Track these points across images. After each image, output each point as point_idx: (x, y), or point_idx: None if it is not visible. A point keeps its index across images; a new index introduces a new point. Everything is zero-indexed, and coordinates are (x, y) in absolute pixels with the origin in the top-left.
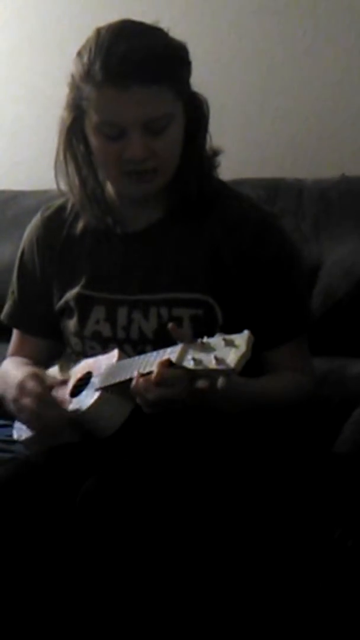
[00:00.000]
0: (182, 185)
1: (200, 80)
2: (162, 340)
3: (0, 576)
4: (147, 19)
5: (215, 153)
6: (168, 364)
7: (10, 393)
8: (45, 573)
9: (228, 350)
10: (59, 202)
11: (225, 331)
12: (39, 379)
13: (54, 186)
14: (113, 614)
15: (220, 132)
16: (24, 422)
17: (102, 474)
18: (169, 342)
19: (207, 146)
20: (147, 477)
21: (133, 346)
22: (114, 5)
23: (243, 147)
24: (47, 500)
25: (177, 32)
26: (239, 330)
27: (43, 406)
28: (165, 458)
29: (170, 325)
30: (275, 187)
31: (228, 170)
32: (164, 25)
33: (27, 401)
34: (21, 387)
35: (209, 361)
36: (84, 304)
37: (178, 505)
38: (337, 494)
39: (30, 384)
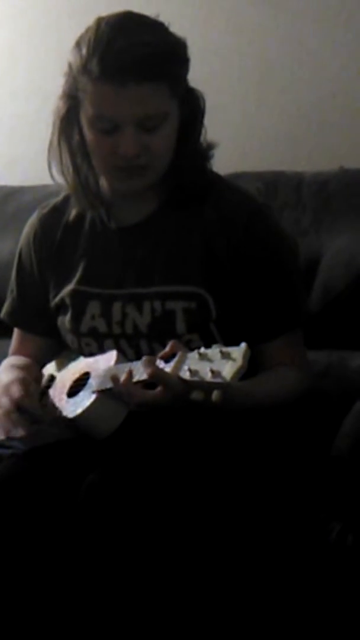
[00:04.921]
0: (175, 179)
1: (199, 73)
2: (156, 334)
3: (1, 572)
4: (146, 12)
5: (210, 146)
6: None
7: None
8: (47, 568)
9: (224, 362)
10: (54, 200)
11: (219, 324)
12: (24, 384)
13: (53, 182)
14: (117, 607)
15: (219, 126)
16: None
17: (105, 467)
18: (163, 336)
19: (202, 139)
20: (150, 471)
21: (128, 341)
22: (113, 1)
23: (242, 141)
24: (48, 497)
25: (175, 25)
26: (232, 323)
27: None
28: (167, 452)
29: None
30: (274, 181)
31: (227, 163)
32: (162, 19)
33: (4, 401)
34: (5, 389)
35: (205, 373)
36: (78, 300)
37: (180, 500)
38: (336, 490)
39: (14, 389)
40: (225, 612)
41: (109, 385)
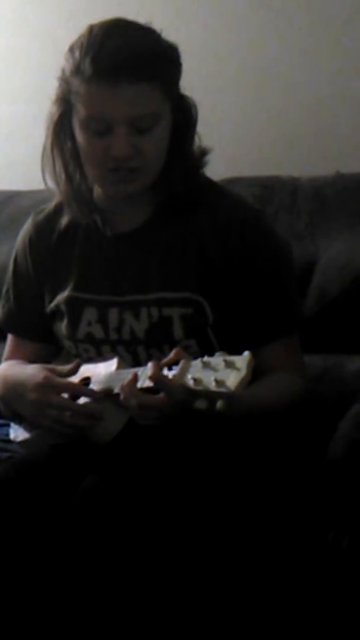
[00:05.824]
0: (168, 185)
1: (196, 77)
2: (154, 340)
3: None
4: (143, 16)
5: (204, 153)
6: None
7: (25, 394)
8: (43, 572)
9: (228, 372)
10: (49, 206)
11: (216, 329)
12: (60, 374)
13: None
14: (114, 610)
15: (215, 131)
16: (47, 421)
17: (102, 472)
18: (160, 342)
19: (196, 146)
20: (147, 475)
21: (126, 347)
22: (110, 4)
23: (238, 146)
24: (45, 500)
25: (172, 29)
26: (229, 329)
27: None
28: (164, 456)
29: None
30: (270, 185)
31: (223, 168)
32: (159, 22)
33: (60, 399)
34: (47, 385)
35: (209, 382)
36: (74, 307)
37: (176, 504)
38: (332, 493)
39: (58, 380)
40: (222, 615)
41: (111, 391)
